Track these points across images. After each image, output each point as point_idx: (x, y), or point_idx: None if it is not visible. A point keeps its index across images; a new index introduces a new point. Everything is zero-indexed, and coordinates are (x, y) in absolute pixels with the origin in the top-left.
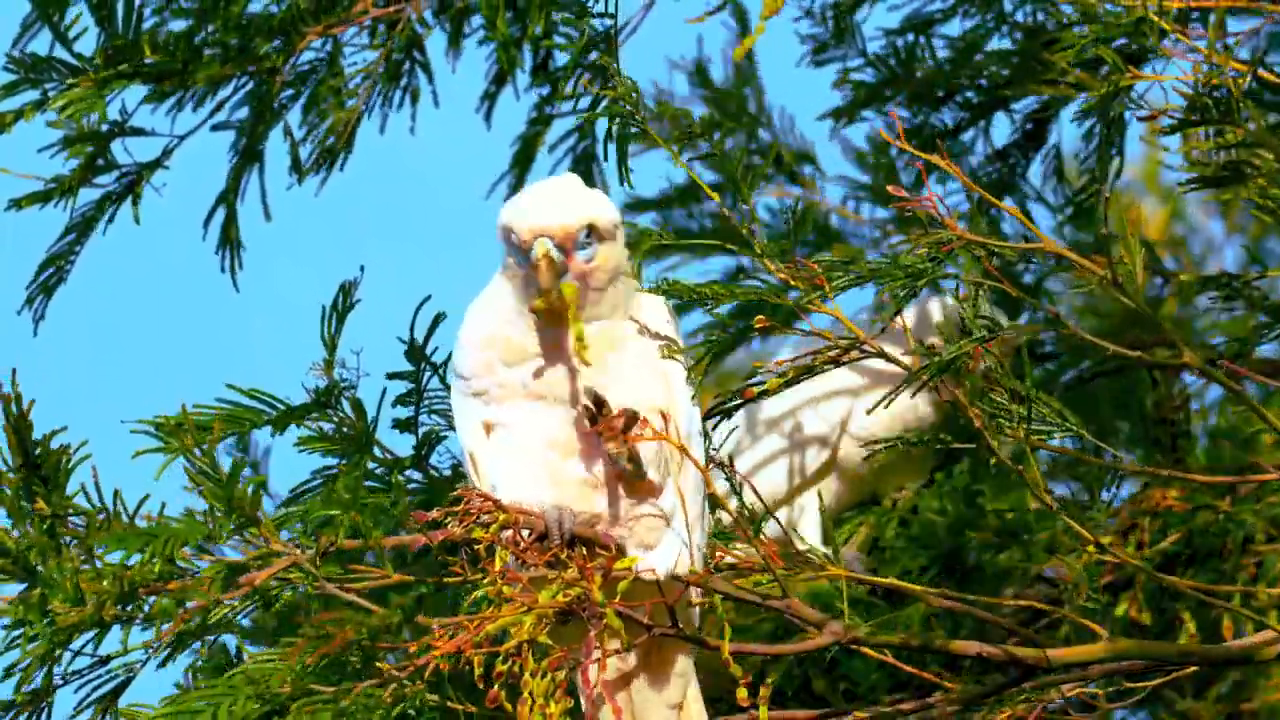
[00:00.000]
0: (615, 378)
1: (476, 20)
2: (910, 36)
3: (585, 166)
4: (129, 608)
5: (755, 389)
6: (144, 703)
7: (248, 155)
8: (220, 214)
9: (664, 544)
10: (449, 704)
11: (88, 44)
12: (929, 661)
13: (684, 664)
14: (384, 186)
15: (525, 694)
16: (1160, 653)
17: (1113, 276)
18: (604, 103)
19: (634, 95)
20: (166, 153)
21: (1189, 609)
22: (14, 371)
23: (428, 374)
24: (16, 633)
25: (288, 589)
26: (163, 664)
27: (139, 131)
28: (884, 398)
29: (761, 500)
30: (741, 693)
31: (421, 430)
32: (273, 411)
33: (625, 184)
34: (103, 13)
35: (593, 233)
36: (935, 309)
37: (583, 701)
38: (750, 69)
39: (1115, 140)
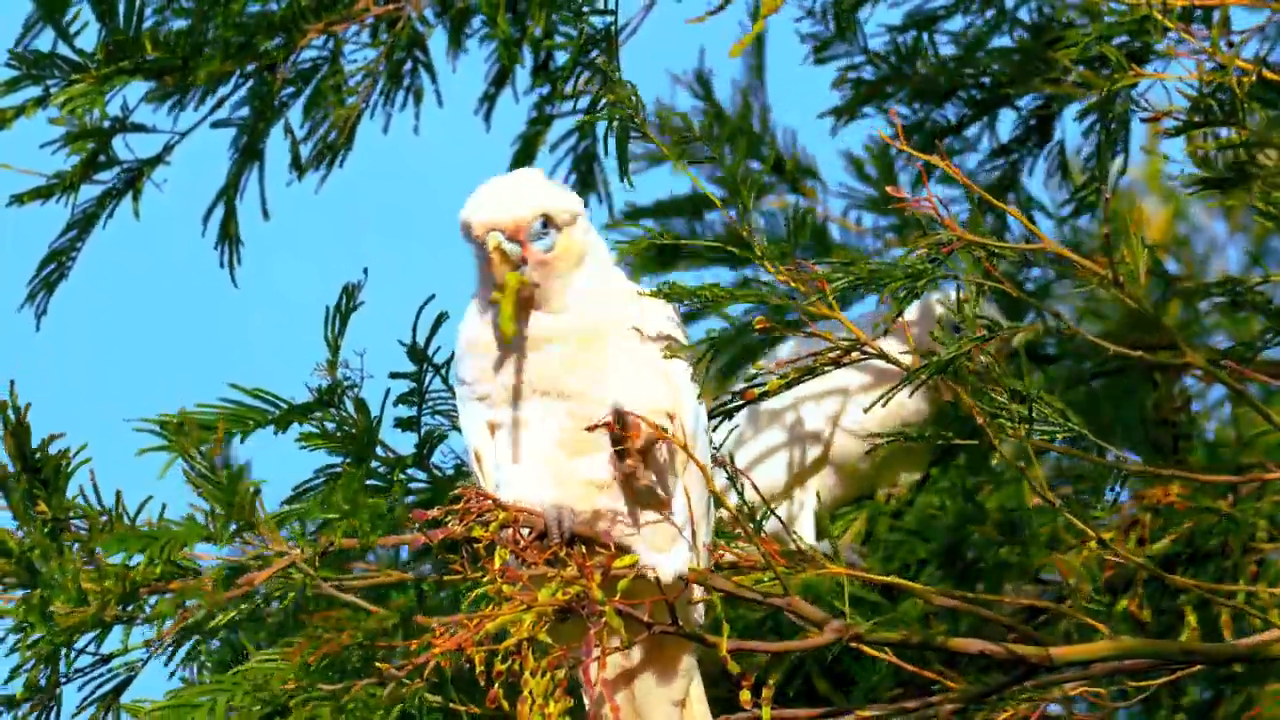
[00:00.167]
0: (618, 377)
1: (477, 21)
2: (913, 33)
3: (586, 166)
4: (130, 608)
5: (756, 390)
6: (148, 698)
7: (248, 153)
8: (220, 210)
9: (673, 548)
10: (451, 705)
11: (89, 40)
12: (930, 660)
13: (687, 662)
14: (384, 184)
15: (525, 693)
16: (1165, 650)
17: (1114, 275)
18: (603, 104)
19: (633, 99)
20: (168, 149)
21: (1191, 607)
22: (12, 383)
23: (430, 374)
24: (19, 635)
25: (288, 591)
26: (167, 662)
27: (140, 128)
28: (881, 396)
29: (763, 497)
30: (745, 695)
31: (424, 429)
32: (276, 411)
33: (626, 181)
34: (103, 8)
35: (549, 222)
36: (938, 308)
37: (585, 700)
38: (755, 84)
39: (1118, 139)
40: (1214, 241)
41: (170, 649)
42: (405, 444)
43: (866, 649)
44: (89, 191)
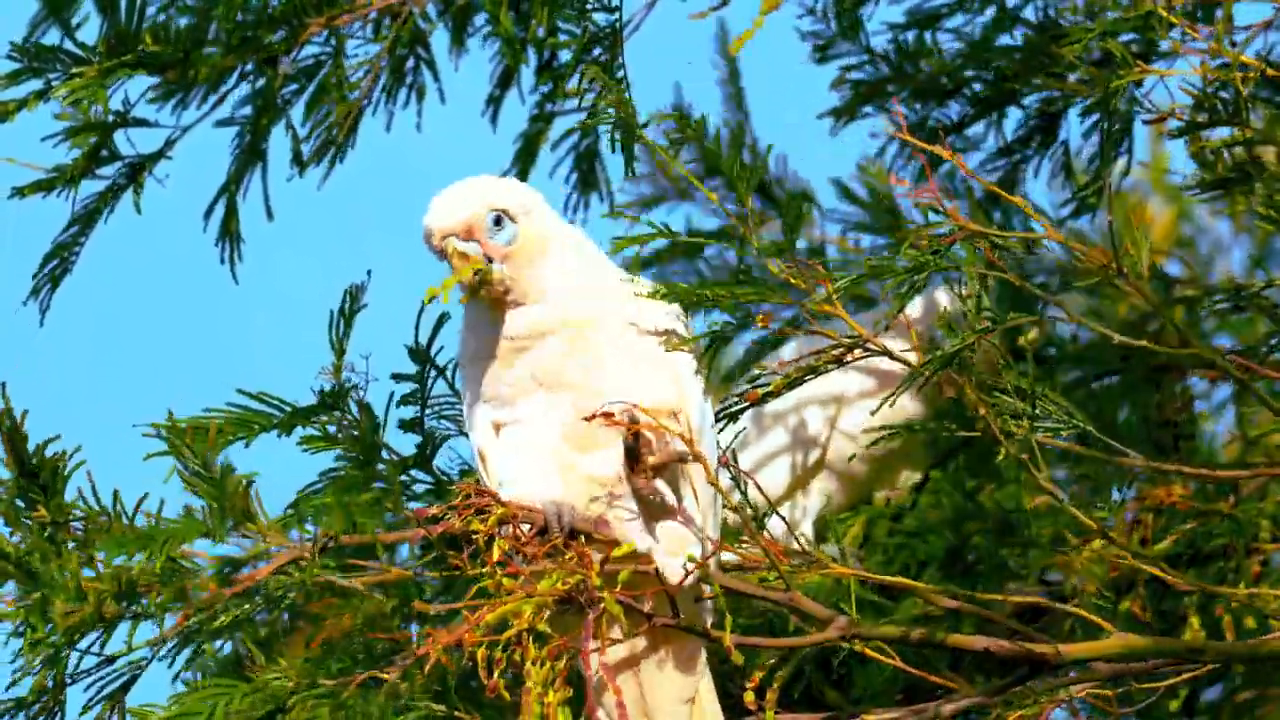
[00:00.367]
0: (617, 366)
1: (479, 20)
2: (915, 32)
3: (588, 164)
4: (130, 605)
5: (759, 391)
6: (155, 703)
7: (250, 151)
8: (221, 206)
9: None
10: (455, 714)
11: (90, 33)
12: (935, 664)
13: (698, 660)
14: (387, 182)
15: (529, 683)
16: (1174, 648)
17: (1118, 267)
18: (601, 107)
19: (629, 106)
20: (169, 144)
21: (1194, 607)
22: (4, 385)
23: (432, 375)
24: (20, 638)
25: (290, 590)
26: (170, 663)
27: (142, 122)
28: (888, 397)
29: (766, 497)
30: (749, 695)
31: (427, 430)
32: (280, 414)
33: (629, 175)
34: (105, 1)
35: (505, 216)
36: (940, 304)
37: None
38: (740, 115)
39: (1120, 139)
40: (1219, 242)
41: (173, 651)
42: (408, 445)
43: (869, 651)
44: (90, 186)
